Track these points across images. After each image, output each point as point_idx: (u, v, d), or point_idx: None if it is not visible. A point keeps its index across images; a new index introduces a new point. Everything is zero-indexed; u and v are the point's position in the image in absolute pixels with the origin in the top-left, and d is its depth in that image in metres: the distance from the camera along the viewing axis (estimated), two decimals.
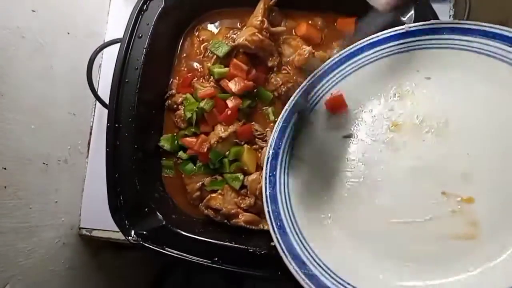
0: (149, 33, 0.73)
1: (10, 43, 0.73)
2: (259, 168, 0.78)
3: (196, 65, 0.84)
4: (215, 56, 0.80)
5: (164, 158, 0.81)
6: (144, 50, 0.73)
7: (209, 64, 0.80)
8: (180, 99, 0.80)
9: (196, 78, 0.81)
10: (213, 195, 0.77)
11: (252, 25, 0.78)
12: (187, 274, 1.68)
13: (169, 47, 0.82)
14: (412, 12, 0.73)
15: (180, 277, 1.65)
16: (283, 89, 0.79)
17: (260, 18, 0.77)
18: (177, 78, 0.83)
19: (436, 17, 0.71)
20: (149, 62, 0.73)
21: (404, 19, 0.73)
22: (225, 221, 0.75)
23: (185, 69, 0.84)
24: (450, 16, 0.90)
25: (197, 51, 0.84)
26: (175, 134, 0.81)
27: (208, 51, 0.81)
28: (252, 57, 0.80)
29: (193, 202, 0.79)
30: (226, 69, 0.79)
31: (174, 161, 0.81)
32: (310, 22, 0.83)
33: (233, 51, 0.79)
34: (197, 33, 0.85)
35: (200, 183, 0.78)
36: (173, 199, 0.79)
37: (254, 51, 0.78)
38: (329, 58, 0.80)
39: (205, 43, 0.83)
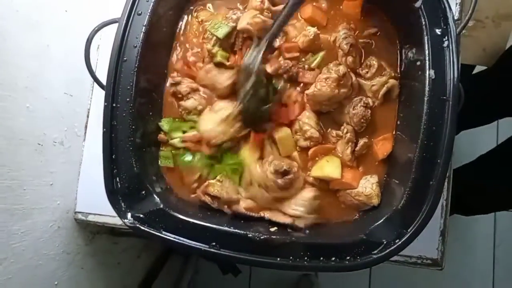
0: (149, 11, 0.71)
1: (3, 17, 0.70)
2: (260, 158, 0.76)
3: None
4: (214, 37, 0.77)
5: (162, 149, 0.79)
6: (144, 28, 0.70)
7: (208, 46, 0.78)
8: (185, 88, 0.78)
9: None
10: (211, 181, 0.74)
11: (253, 7, 0.76)
12: (185, 261, 1.68)
13: (169, 26, 0.79)
14: None
15: (177, 264, 1.65)
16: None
17: None
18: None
19: (446, 0, 0.69)
20: (149, 41, 0.71)
21: (416, 5, 0.71)
22: (225, 206, 0.73)
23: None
24: (456, 4, 0.88)
25: (196, 32, 0.81)
26: (177, 119, 0.79)
27: (208, 32, 0.79)
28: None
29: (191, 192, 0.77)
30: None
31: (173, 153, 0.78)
32: (314, 4, 0.80)
33: (233, 31, 0.77)
34: (195, 13, 0.82)
35: (198, 174, 0.76)
36: (171, 184, 0.77)
37: (258, 35, 0.76)
38: (333, 41, 0.78)
39: (205, 24, 0.80)
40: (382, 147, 0.75)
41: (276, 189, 0.72)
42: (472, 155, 1.44)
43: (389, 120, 0.76)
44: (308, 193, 0.73)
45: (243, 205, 0.73)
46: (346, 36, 0.75)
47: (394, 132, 0.75)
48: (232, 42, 0.78)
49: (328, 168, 0.73)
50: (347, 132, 0.75)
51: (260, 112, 0.74)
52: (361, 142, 0.75)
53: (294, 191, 0.73)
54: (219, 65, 0.77)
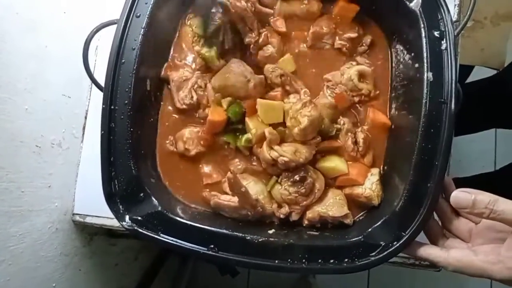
0: (148, 13, 0.71)
1: (2, 18, 0.70)
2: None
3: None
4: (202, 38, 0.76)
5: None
6: (142, 30, 0.70)
7: (197, 47, 0.76)
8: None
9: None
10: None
11: None
12: (183, 262, 1.68)
13: (169, 28, 0.79)
14: None
15: (175, 264, 1.64)
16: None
17: None
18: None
19: (444, 1, 0.69)
20: (147, 43, 0.71)
21: (411, 4, 0.71)
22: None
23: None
24: (455, 5, 0.88)
25: (191, 39, 0.80)
26: None
27: (195, 35, 0.77)
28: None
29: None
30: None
31: None
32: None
33: (219, 28, 0.74)
34: (188, 22, 0.81)
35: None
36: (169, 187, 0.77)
37: (233, 17, 0.73)
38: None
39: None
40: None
41: (302, 198, 0.71)
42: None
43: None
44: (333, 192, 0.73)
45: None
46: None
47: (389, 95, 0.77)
48: (221, 40, 0.76)
49: (336, 161, 0.73)
50: (344, 124, 0.75)
51: None
52: (361, 135, 0.75)
53: (318, 193, 0.72)
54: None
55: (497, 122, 1.45)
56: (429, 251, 0.63)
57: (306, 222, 0.72)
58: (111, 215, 0.68)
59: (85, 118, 0.96)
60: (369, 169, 0.74)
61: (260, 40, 0.76)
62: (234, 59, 0.75)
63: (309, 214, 0.71)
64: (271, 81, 0.76)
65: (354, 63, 0.79)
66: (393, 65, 0.79)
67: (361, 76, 0.77)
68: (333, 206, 0.71)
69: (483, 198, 0.56)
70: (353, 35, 0.79)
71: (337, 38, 0.80)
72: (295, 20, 0.81)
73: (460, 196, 0.58)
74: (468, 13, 0.71)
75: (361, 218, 0.74)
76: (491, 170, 1.64)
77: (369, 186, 0.72)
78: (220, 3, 0.72)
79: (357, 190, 0.72)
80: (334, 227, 0.72)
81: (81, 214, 0.92)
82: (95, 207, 0.91)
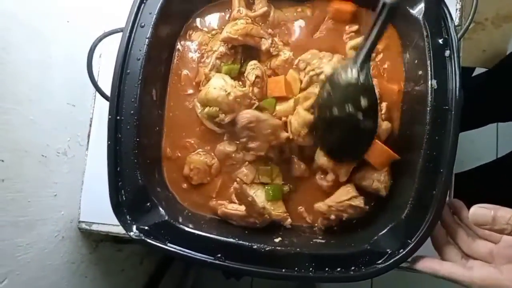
0: (152, 23, 0.71)
1: (7, 29, 0.70)
2: None
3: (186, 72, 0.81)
4: (211, 62, 0.77)
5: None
6: (147, 40, 0.70)
7: (206, 70, 0.78)
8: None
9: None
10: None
11: (233, 18, 0.77)
12: (186, 267, 1.68)
13: (173, 37, 0.80)
14: (423, 4, 0.71)
15: (180, 269, 1.65)
16: None
17: (237, 8, 0.77)
18: None
19: (447, 8, 0.69)
20: (152, 53, 0.71)
21: (414, 11, 0.71)
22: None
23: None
24: (456, 10, 0.88)
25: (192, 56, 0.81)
26: None
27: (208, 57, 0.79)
28: (246, 49, 0.78)
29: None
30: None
31: None
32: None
33: None
34: (190, 38, 0.82)
35: None
36: (176, 195, 0.78)
37: (242, 42, 0.76)
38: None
39: (203, 47, 0.81)
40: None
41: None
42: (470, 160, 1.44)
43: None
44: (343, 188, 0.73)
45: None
46: None
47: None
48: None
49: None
50: None
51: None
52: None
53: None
54: None
55: (497, 116, 1.44)
56: (452, 270, 0.61)
57: (319, 221, 0.72)
58: (117, 222, 0.69)
59: (90, 125, 0.96)
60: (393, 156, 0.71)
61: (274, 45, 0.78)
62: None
63: (322, 206, 0.71)
64: None
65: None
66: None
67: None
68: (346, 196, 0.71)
69: (504, 213, 0.52)
70: (354, 27, 0.79)
71: (344, 35, 0.80)
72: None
73: (479, 212, 0.53)
74: (470, 17, 0.71)
75: (367, 223, 0.74)
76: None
77: (377, 177, 0.71)
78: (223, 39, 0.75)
79: (365, 182, 0.72)
80: (340, 231, 0.73)
81: (87, 222, 0.93)
82: (101, 215, 0.91)
